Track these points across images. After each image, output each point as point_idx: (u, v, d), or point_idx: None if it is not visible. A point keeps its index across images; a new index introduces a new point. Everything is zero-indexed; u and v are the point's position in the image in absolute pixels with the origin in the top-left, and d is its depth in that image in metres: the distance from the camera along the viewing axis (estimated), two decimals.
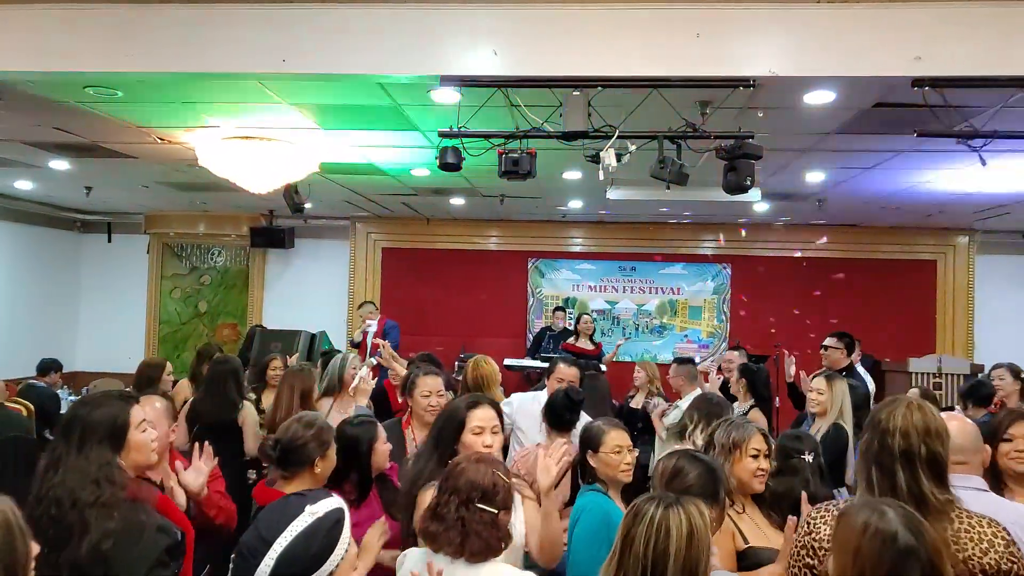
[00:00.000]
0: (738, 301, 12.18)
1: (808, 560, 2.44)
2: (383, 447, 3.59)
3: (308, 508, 1.97)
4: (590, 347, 10.08)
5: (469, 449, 3.19)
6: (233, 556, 1.98)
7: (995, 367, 6.48)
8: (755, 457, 3.23)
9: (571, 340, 10.24)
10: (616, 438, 3.52)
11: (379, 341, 6.38)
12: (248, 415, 5.64)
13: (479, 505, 2.49)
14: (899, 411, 2.46)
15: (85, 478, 2.56)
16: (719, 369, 7.43)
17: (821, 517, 2.49)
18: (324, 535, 1.93)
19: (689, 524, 2.15)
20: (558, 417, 4.37)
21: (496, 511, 2.50)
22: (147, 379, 5.86)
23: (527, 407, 5.13)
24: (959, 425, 2.99)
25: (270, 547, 1.90)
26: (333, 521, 1.97)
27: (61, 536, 2.47)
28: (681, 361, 6.65)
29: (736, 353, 7.81)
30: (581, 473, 3.63)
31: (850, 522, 2.01)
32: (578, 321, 10.43)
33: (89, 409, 2.75)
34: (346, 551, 1.96)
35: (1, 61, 4.75)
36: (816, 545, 2.43)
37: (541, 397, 4.99)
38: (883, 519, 1.95)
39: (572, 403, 4.42)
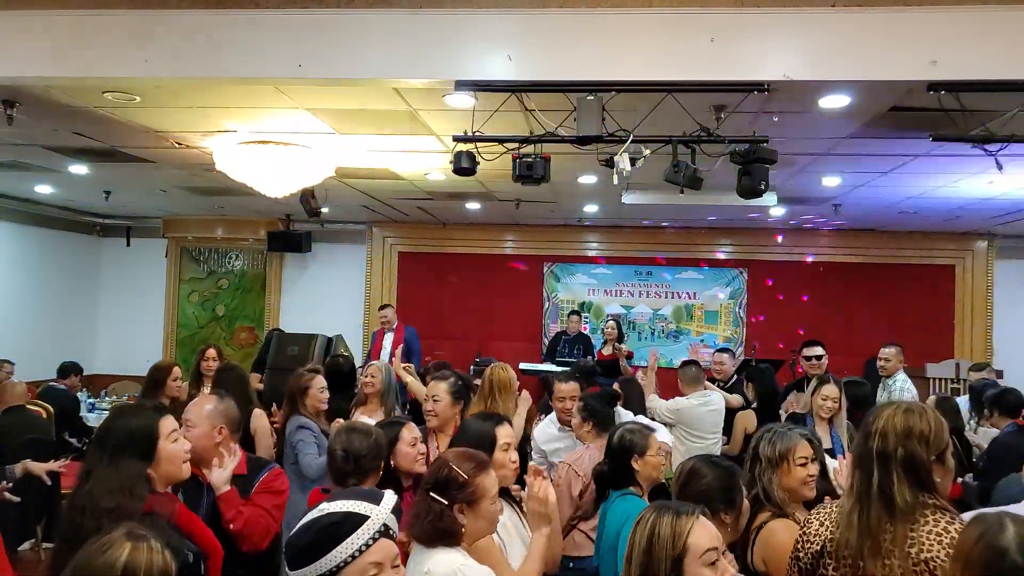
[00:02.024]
0: (756, 300, 12.13)
1: (800, 555, 2.59)
2: (406, 449, 3.57)
3: (322, 504, 1.97)
4: (608, 351, 10.13)
5: (502, 466, 3.19)
6: None
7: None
8: (803, 465, 3.17)
9: (603, 349, 10.39)
10: (656, 441, 3.67)
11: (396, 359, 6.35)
12: (259, 423, 5.57)
13: (431, 494, 2.56)
14: (884, 413, 2.47)
15: (110, 487, 2.58)
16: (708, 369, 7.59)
17: (817, 515, 2.63)
18: (319, 530, 1.91)
19: (650, 531, 2.15)
20: (604, 416, 4.50)
21: (447, 503, 2.55)
22: (152, 382, 5.85)
23: (547, 431, 5.24)
24: None
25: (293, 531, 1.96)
26: (334, 521, 1.92)
27: (80, 543, 2.49)
28: (685, 364, 6.72)
29: (726, 356, 7.94)
30: (611, 479, 3.66)
31: (969, 531, 1.99)
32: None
33: (121, 420, 2.77)
34: (352, 558, 1.89)
35: (20, 67, 4.81)
36: (805, 539, 2.59)
37: (553, 417, 5.21)
38: (1000, 534, 1.90)
39: (612, 399, 4.56)
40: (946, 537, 2.30)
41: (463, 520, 2.57)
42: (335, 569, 1.90)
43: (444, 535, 2.53)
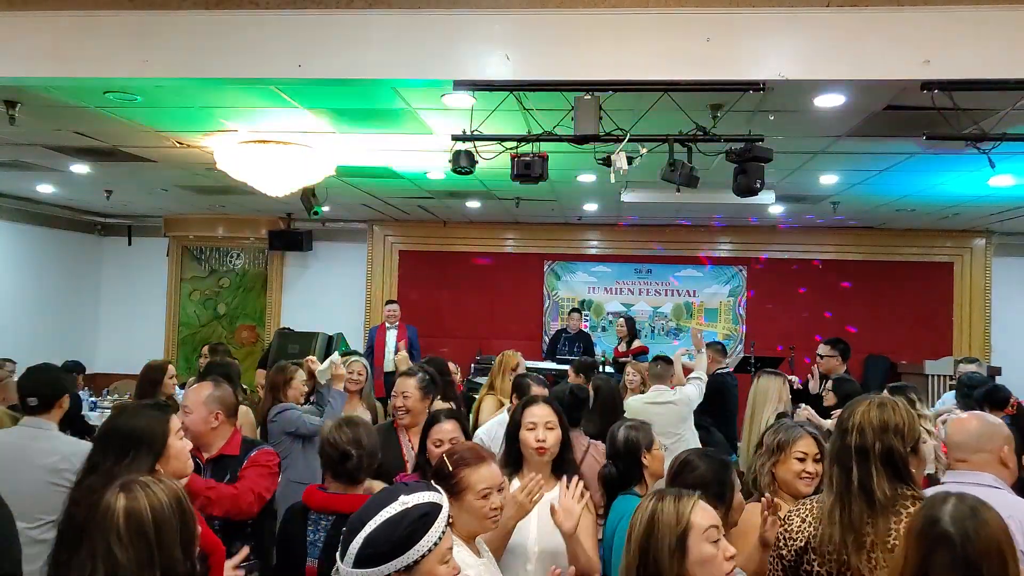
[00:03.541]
0: (754, 302, 12.16)
1: (783, 552, 2.60)
2: None
3: (402, 498, 2.03)
4: (624, 349, 10.20)
5: (525, 445, 3.29)
6: (343, 531, 2.05)
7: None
8: (801, 460, 3.22)
9: (619, 347, 10.43)
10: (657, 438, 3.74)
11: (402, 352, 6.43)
12: (245, 419, 5.53)
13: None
14: (859, 409, 2.52)
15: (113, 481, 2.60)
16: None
17: (797, 511, 2.65)
18: (408, 525, 1.98)
19: (651, 513, 2.18)
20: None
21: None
22: (150, 382, 5.85)
23: (495, 433, 4.95)
24: (958, 423, 3.04)
25: (363, 527, 1.98)
26: (420, 513, 2.01)
27: (74, 536, 2.52)
28: (655, 359, 6.71)
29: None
30: (619, 481, 3.65)
31: (920, 506, 2.09)
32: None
33: (128, 419, 2.81)
34: (435, 545, 2.00)
35: (22, 67, 4.83)
36: (787, 536, 2.60)
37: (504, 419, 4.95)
38: (939, 506, 1.99)
39: (577, 401, 4.49)
40: None
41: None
42: (419, 559, 1.97)
43: None
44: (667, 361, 6.56)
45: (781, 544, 2.62)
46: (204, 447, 3.65)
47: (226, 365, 5.93)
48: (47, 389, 3.98)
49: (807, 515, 2.59)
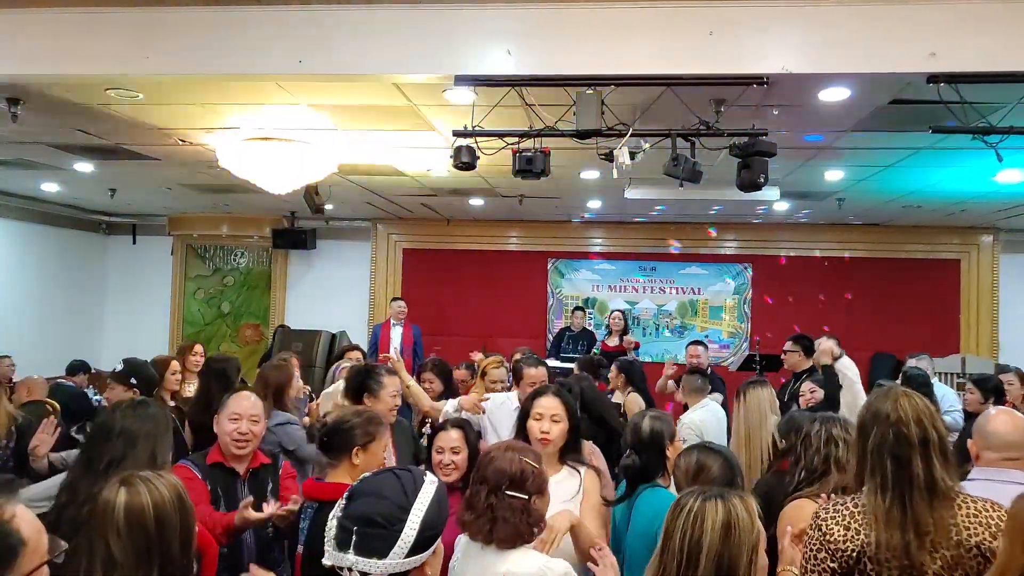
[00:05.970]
0: (759, 300, 12.11)
1: (830, 564, 2.42)
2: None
3: (428, 476, 1.99)
4: (614, 343, 10.11)
5: (530, 434, 3.36)
6: (356, 528, 1.87)
7: (1004, 370, 6.52)
8: None
9: (608, 340, 10.35)
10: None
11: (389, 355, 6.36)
12: None
13: (508, 492, 2.52)
14: (902, 401, 2.44)
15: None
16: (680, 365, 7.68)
17: (832, 517, 2.46)
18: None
19: (727, 516, 2.08)
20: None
21: (527, 496, 2.54)
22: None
23: (503, 406, 4.89)
24: (1010, 420, 2.96)
25: (409, 513, 1.88)
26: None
27: (77, 527, 2.54)
28: (692, 372, 6.58)
29: (700, 348, 8.11)
30: (642, 472, 3.59)
31: (1017, 503, 2.05)
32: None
33: (148, 420, 2.90)
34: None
35: (23, 64, 4.84)
36: (833, 547, 2.41)
37: (513, 397, 4.84)
38: None
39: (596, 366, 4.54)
40: (983, 516, 2.32)
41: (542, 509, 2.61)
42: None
43: (532, 530, 2.53)
44: (704, 375, 6.48)
45: (828, 558, 2.42)
46: (247, 459, 3.52)
47: (226, 360, 5.92)
48: None
49: (850, 521, 2.42)
